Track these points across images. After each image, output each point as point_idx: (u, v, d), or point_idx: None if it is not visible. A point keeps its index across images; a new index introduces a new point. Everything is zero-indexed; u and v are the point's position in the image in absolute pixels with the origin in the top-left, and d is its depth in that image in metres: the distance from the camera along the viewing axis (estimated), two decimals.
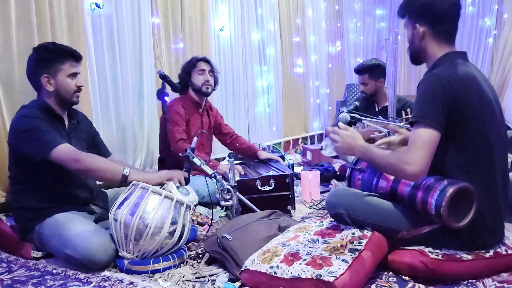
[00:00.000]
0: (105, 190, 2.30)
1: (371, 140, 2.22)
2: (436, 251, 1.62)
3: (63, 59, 1.98)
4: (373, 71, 3.27)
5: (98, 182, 2.30)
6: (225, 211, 2.63)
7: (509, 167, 1.77)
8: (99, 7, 2.78)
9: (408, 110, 2.50)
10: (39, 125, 1.88)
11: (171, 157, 2.59)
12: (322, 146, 3.10)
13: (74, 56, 2.02)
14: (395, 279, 1.64)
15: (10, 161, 2.01)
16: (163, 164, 2.93)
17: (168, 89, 2.41)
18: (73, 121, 2.13)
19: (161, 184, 1.93)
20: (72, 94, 2.03)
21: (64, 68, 1.98)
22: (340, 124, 1.80)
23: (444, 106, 1.53)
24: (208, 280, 1.72)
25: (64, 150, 1.86)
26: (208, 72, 2.97)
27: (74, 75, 2.02)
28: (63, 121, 2.07)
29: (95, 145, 2.26)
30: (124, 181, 1.89)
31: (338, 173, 3.54)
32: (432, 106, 1.53)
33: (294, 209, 2.60)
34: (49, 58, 1.96)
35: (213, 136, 3.22)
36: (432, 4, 1.65)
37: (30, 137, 1.86)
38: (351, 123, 2.77)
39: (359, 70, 3.34)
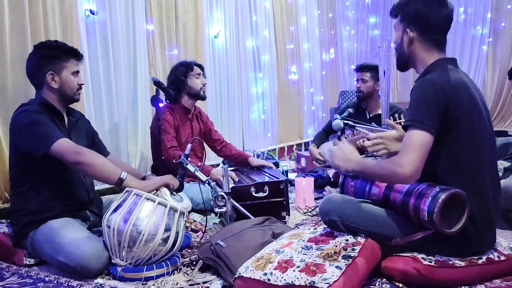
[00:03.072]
0: (100, 197, 2.29)
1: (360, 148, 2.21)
2: (429, 257, 1.62)
3: (66, 57, 2.01)
4: (375, 71, 3.27)
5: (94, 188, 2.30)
6: (219, 217, 2.63)
7: (499, 173, 1.78)
8: (93, 13, 2.78)
9: (396, 115, 2.51)
10: (41, 119, 1.89)
11: (164, 165, 2.58)
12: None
13: (77, 55, 2.06)
14: (388, 286, 1.64)
15: (11, 161, 2.00)
16: (157, 171, 2.92)
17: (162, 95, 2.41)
18: (72, 119, 2.14)
19: (155, 190, 1.94)
20: (75, 92, 2.06)
21: (68, 65, 2.01)
22: (343, 138, 1.82)
23: (438, 110, 1.55)
24: (202, 287, 1.71)
25: (65, 144, 1.86)
26: (202, 76, 2.99)
27: (76, 73, 2.05)
28: (63, 118, 2.08)
29: (95, 144, 2.26)
30: (119, 184, 1.89)
31: (332, 179, 3.54)
32: (426, 111, 1.54)
33: (289, 216, 2.60)
34: (53, 55, 1.98)
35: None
36: (425, 12, 1.66)
37: (32, 131, 1.86)
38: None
39: (363, 67, 3.32)
